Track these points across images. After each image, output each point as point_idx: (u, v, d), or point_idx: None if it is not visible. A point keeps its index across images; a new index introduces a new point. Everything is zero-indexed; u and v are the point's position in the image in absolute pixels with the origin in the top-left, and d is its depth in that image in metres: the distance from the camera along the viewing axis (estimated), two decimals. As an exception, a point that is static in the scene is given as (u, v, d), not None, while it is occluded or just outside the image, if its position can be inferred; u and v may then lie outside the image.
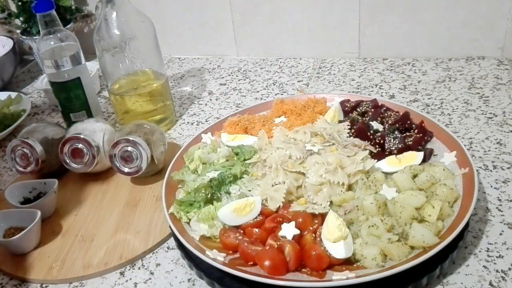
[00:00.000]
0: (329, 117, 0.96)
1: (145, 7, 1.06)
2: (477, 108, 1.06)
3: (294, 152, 0.83)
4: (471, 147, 0.95)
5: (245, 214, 0.76)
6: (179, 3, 1.41)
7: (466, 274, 0.70)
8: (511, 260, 0.71)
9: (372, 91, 1.18)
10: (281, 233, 0.72)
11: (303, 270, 0.68)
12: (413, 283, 0.66)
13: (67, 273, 0.78)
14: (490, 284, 0.68)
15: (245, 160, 0.88)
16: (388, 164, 0.83)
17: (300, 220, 0.73)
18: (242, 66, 1.40)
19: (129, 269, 0.79)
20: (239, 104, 1.21)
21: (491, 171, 0.88)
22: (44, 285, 0.78)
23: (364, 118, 0.95)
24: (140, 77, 1.09)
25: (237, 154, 0.90)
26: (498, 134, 0.97)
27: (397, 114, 0.95)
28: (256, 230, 0.74)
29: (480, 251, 0.73)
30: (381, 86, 1.20)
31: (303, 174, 0.81)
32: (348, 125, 0.92)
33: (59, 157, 0.94)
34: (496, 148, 0.94)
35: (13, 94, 1.29)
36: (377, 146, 0.88)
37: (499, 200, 0.82)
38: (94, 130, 0.96)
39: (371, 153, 0.86)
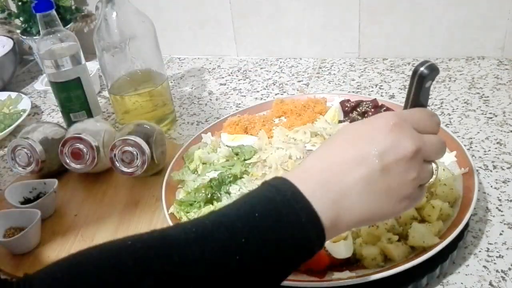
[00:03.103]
0: (329, 117, 0.96)
1: (145, 7, 1.06)
2: (477, 108, 1.06)
3: (294, 152, 0.83)
4: (471, 147, 0.95)
5: (245, 214, 0.76)
6: (179, 3, 1.41)
7: (466, 274, 0.70)
8: (511, 260, 0.71)
9: (372, 91, 1.18)
10: (281, 233, 0.71)
11: (303, 270, 0.68)
12: (413, 283, 0.66)
13: (67, 273, 0.78)
14: (490, 284, 0.68)
15: (245, 160, 0.88)
16: (388, 164, 0.83)
17: (300, 220, 0.73)
18: (242, 66, 1.40)
19: (129, 269, 0.79)
20: (239, 104, 1.21)
21: (491, 171, 0.88)
22: (44, 285, 0.78)
23: (364, 118, 0.95)
24: (140, 77, 1.09)
25: (237, 154, 0.90)
26: (498, 134, 0.97)
27: (397, 114, 0.95)
28: (256, 230, 0.73)
29: (480, 251, 0.73)
30: (381, 86, 1.20)
31: (303, 174, 0.81)
32: (348, 125, 0.92)
33: (59, 157, 0.94)
34: (496, 148, 0.94)
35: (13, 94, 1.29)
36: (377, 146, 0.88)
37: (499, 200, 0.82)
38: (94, 130, 0.96)
39: (371, 153, 0.86)
